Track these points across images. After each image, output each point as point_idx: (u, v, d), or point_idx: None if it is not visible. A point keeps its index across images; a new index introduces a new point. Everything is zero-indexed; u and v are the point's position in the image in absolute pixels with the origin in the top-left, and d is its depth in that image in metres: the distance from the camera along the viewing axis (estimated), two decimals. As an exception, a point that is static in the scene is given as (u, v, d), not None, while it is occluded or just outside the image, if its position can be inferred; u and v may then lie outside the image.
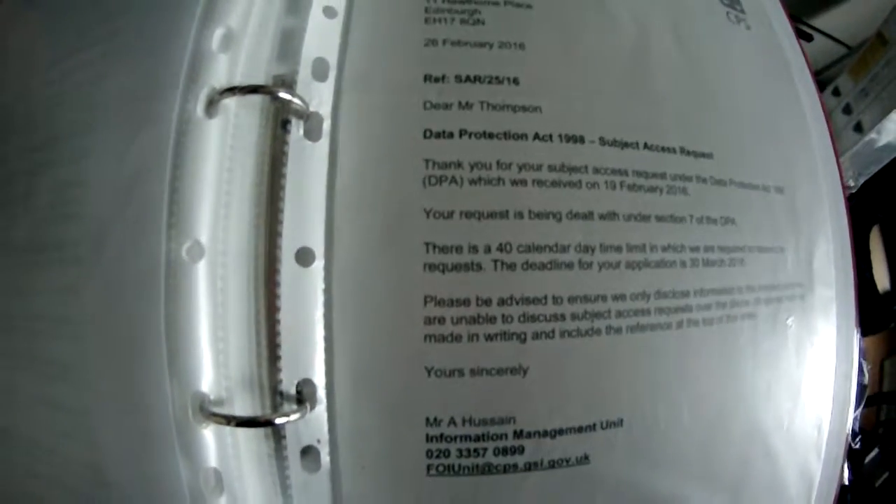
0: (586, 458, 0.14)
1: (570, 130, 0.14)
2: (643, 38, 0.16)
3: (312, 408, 0.12)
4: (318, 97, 0.13)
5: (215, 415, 0.11)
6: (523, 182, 0.13)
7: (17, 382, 0.12)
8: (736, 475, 0.16)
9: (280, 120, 0.13)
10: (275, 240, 0.12)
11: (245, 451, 0.12)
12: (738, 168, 0.16)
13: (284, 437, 0.12)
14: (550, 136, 0.14)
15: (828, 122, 0.20)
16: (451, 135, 0.13)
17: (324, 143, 0.13)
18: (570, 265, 0.13)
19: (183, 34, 0.12)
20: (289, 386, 0.12)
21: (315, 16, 0.13)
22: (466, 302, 0.13)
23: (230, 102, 0.12)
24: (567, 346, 0.13)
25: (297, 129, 0.13)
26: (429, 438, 0.13)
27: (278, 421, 0.12)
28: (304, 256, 0.12)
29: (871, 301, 0.31)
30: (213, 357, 0.12)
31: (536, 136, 0.14)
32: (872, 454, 0.32)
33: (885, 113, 0.25)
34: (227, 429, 0.12)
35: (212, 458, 0.12)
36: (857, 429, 0.28)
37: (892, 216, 0.33)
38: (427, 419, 0.13)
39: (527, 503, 0.14)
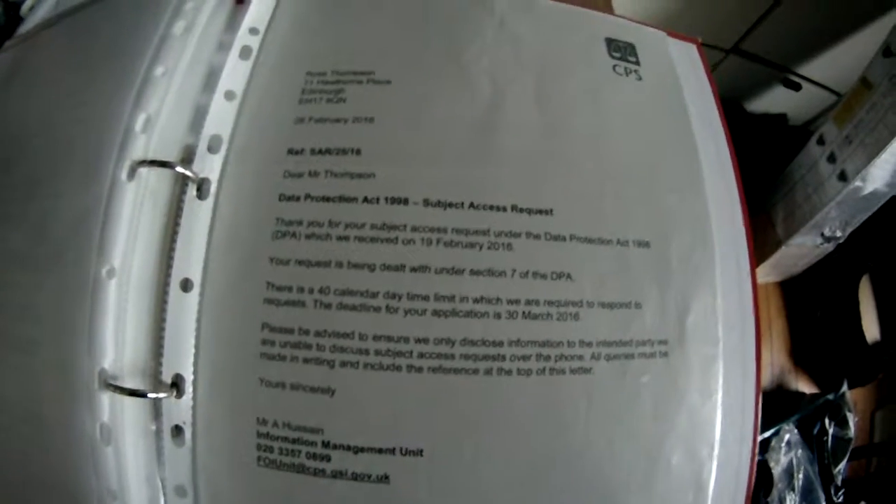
0: (386, 477, 0.16)
1: (395, 193, 0.17)
2: (497, 102, 0.18)
3: (181, 394, 0.17)
4: (210, 166, 0.18)
5: (110, 385, 0.16)
6: (346, 238, 0.16)
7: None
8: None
9: (181, 182, 0.18)
10: (167, 270, 0.17)
11: (129, 419, 0.17)
12: (584, 224, 0.17)
13: (161, 414, 0.17)
14: (378, 199, 0.17)
15: (738, 172, 0.18)
16: (297, 198, 0.17)
17: (210, 202, 0.17)
18: (377, 309, 0.16)
19: (119, 119, 0.17)
20: (166, 376, 0.17)
21: (217, 100, 0.18)
22: (291, 330, 0.16)
23: (143, 171, 0.17)
24: (369, 376, 0.16)
25: (191, 190, 0.17)
26: (259, 434, 0.16)
27: (151, 395, 0.16)
28: (185, 285, 0.17)
29: (860, 352, 0.30)
30: (113, 348, 0.17)
31: (365, 199, 0.17)
32: (857, 507, 0.33)
33: (869, 159, 0.23)
34: (118, 397, 0.17)
35: (105, 414, 0.17)
36: (839, 483, 0.29)
37: (881, 266, 0.31)
38: (258, 419, 0.16)
39: (333, 505, 0.16)
